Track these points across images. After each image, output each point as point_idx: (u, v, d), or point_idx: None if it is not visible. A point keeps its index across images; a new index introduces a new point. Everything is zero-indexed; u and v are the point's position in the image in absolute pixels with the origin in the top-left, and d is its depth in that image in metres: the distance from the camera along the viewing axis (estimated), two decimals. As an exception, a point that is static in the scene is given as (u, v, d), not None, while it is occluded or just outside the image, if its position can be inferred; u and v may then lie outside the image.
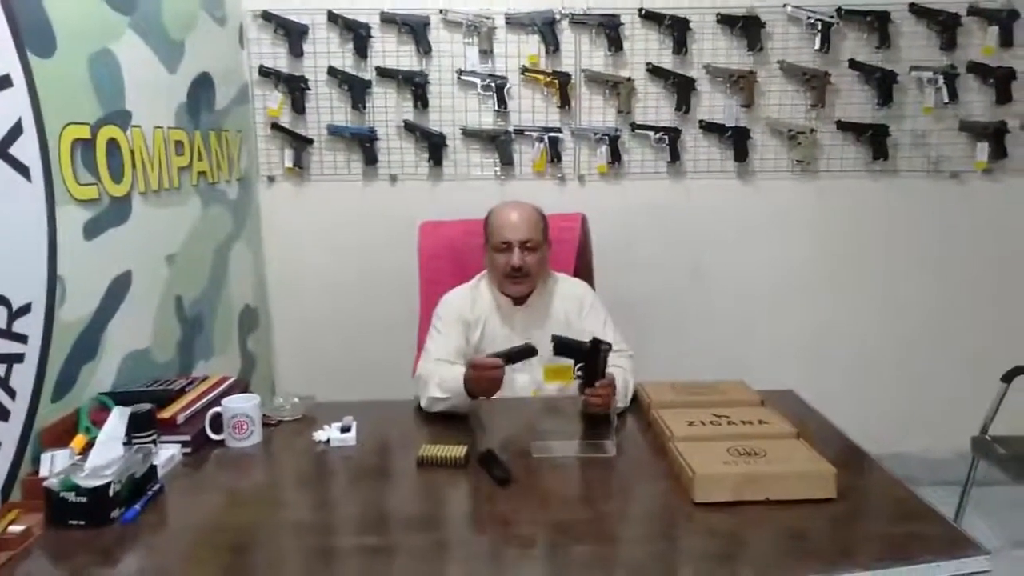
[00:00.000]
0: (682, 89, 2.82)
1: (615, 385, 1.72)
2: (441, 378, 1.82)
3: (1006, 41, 2.79)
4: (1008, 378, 2.48)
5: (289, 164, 2.85)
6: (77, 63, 1.70)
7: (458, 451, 1.56)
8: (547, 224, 2.04)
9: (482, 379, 1.72)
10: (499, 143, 2.85)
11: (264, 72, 2.79)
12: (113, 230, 1.81)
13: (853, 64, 2.82)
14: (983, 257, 2.96)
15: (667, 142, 2.85)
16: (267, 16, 2.75)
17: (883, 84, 2.81)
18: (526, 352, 1.75)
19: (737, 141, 2.86)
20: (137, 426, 1.51)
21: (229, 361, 2.54)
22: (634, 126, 2.85)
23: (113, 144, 1.81)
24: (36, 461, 1.46)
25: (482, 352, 1.98)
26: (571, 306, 2.03)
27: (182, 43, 2.22)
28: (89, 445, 1.45)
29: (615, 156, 2.86)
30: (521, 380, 1.97)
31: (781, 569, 1.21)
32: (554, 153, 2.85)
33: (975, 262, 2.96)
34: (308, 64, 2.80)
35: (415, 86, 2.80)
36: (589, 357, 1.68)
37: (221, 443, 1.68)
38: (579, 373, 1.69)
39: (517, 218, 1.98)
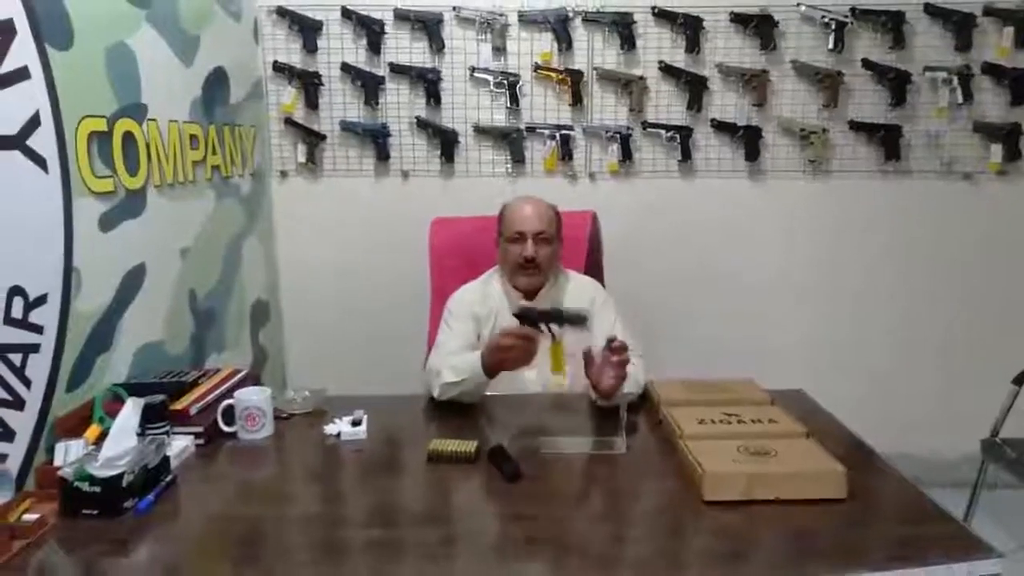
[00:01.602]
0: (694, 88, 2.81)
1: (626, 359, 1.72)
2: (453, 364, 1.83)
3: (1022, 42, 2.77)
4: (1019, 380, 2.47)
5: (302, 159, 2.85)
6: (94, 56, 1.71)
7: (468, 446, 1.56)
8: (560, 221, 2.04)
9: (515, 348, 1.71)
10: (511, 140, 2.85)
11: (278, 67, 2.79)
12: (128, 222, 1.82)
13: (866, 64, 2.80)
14: (995, 259, 2.94)
15: (678, 141, 2.84)
16: (282, 12, 2.76)
17: (897, 84, 2.80)
18: (555, 317, 1.71)
19: (749, 140, 2.85)
20: (150, 417, 1.52)
21: (241, 354, 2.54)
22: (646, 124, 2.84)
23: (129, 137, 1.82)
24: (50, 451, 1.47)
25: None
26: (581, 302, 2.02)
27: (197, 37, 2.22)
28: (103, 435, 1.45)
29: (626, 154, 2.86)
30: (530, 375, 1.97)
31: (790, 569, 1.21)
32: (565, 151, 2.85)
33: (987, 264, 2.94)
34: (322, 60, 2.81)
35: (428, 83, 2.80)
36: (553, 318, 1.70)
37: (233, 435, 1.68)
38: (555, 330, 1.70)
39: (531, 211, 1.99)
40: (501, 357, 1.75)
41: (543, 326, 1.70)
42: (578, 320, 1.70)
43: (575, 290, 2.05)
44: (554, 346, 1.71)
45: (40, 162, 1.51)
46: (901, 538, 1.28)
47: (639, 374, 1.90)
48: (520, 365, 1.75)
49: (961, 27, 2.76)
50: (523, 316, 1.72)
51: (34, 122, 1.49)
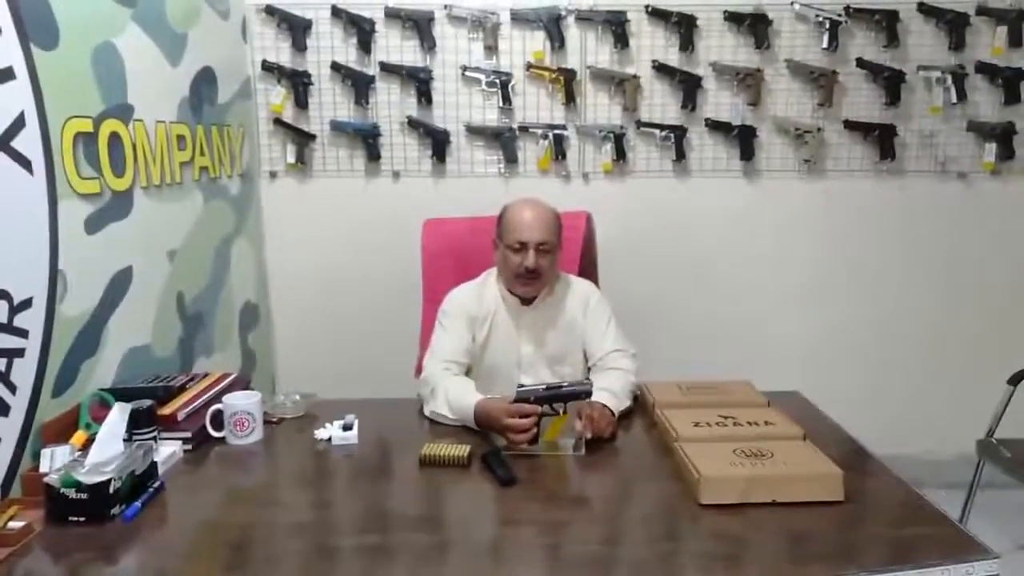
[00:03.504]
0: (688, 87, 2.80)
1: (595, 414, 1.66)
2: (449, 396, 1.77)
3: (1015, 41, 2.77)
4: (1015, 380, 2.47)
5: (291, 160, 2.83)
6: (80, 56, 1.69)
7: (461, 450, 1.55)
8: (561, 225, 2.01)
9: (512, 430, 1.61)
10: (503, 140, 2.83)
11: (267, 67, 2.77)
12: (115, 224, 1.80)
13: (861, 63, 2.80)
14: (989, 258, 2.94)
15: (673, 140, 2.83)
16: (270, 10, 2.74)
17: (891, 83, 2.80)
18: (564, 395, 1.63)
19: (743, 140, 2.84)
20: (138, 423, 1.51)
21: (230, 358, 2.53)
22: (640, 124, 2.83)
23: (115, 138, 1.80)
24: (36, 457, 1.46)
25: (490, 352, 1.97)
26: (578, 306, 2.02)
27: (185, 36, 2.20)
28: (89, 441, 1.44)
29: (620, 154, 2.84)
30: (527, 383, 1.94)
31: (788, 572, 1.21)
32: (559, 150, 2.84)
33: (981, 263, 2.95)
34: (311, 59, 2.78)
35: (419, 82, 2.78)
36: (555, 399, 1.62)
37: (222, 440, 1.67)
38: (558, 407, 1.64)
39: (535, 219, 1.93)
40: (498, 431, 1.66)
41: (547, 407, 1.62)
42: (580, 396, 1.63)
43: (571, 292, 2.04)
44: (556, 419, 1.63)
45: (25, 163, 1.49)
46: (898, 540, 1.28)
47: (631, 378, 1.90)
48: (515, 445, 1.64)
49: (954, 26, 2.77)
50: (526, 401, 1.61)
51: (19, 123, 1.47)
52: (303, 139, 2.83)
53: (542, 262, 1.91)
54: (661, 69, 2.80)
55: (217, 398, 1.72)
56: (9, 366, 1.43)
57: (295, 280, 2.93)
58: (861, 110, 2.84)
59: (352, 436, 1.68)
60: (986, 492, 2.52)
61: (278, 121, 2.82)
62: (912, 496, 1.40)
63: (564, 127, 2.84)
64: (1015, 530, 2.59)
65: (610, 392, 1.77)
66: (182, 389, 1.75)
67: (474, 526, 1.39)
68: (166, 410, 1.63)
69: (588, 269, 2.31)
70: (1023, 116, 2.82)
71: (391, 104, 2.82)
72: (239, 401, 1.68)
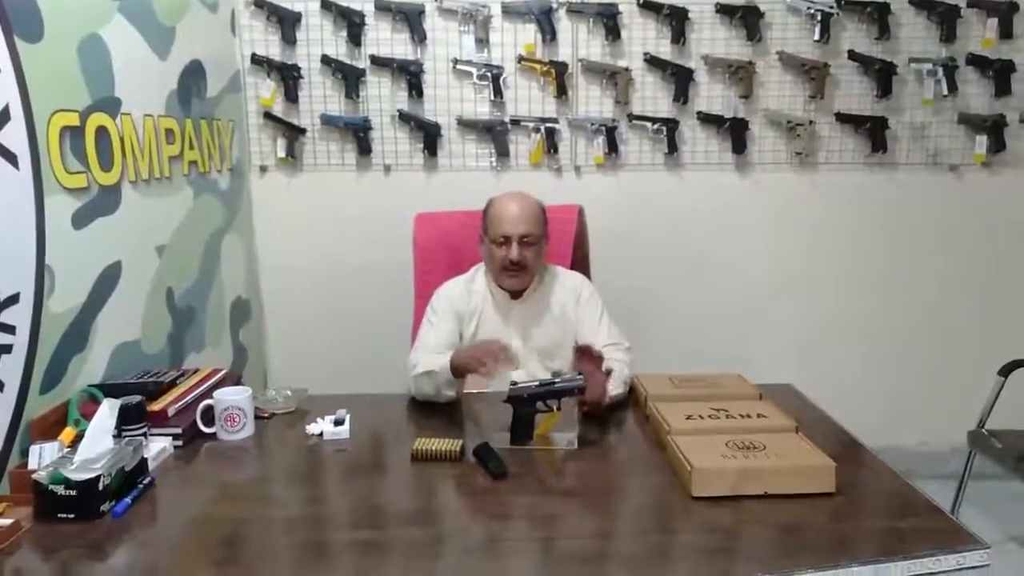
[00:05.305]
0: (680, 79, 2.80)
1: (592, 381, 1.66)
2: (428, 360, 1.82)
3: (1006, 33, 2.78)
4: (1005, 372, 2.49)
5: (281, 154, 2.82)
6: (66, 48, 1.67)
7: (453, 444, 1.55)
8: (547, 218, 2.01)
9: (484, 351, 1.67)
10: (495, 133, 2.82)
11: (256, 60, 2.75)
12: (103, 219, 1.78)
13: (852, 55, 2.80)
14: (981, 250, 2.96)
15: (665, 133, 2.83)
16: (259, 3, 2.72)
17: (882, 76, 2.80)
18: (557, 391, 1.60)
19: (735, 132, 2.84)
20: (127, 419, 1.50)
21: (220, 353, 2.51)
22: (632, 117, 2.83)
23: (103, 132, 1.79)
24: (24, 454, 1.44)
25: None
26: (568, 299, 2.02)
27: (173, 29, 2.18)
28: (78, 438, 1.43)
29: (612, 147, 2.84)
30: (517, 376, 1.95)
31: (780, 563, 1.20)
32: (551, 144, 2.83)
33: (973, 255, 2.96)
34: (301, 52, 2.77)
35: (410, 75, 2.77)
36: (547, 395, 1.60)
37: (213, 436, 1.66)
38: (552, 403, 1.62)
39: (517, 211, 1.94)
40: (474, 364, 1.71)
41: (541, 403, 1.60)
42: (573, 392, 1.60)
43: (561, 285, 2.04)
44: (549, 415, 1.61)
45: (10, 158, 1.47)
46: (890, 531, 1.28)
47: (625, 370, 1.89)
48: (485, 377, 1.70)
49: (945, 18, 2.77)
50: (519, 398, 1.59)
51: (3, 116, 1.45)
52: (293, 133, 2.81)
53: (526, 254, 1.92)
54: (653, 62, 2.80)
55: (208, 393, 1.71)
56: (-4, 362, 1.42)
57: (286, 275, 2.92)
58: (853, 102, 2.85)
59: (344, 431, 1.67)
60: (977, 483, 2.55)
61: (268, 115, 2.80)
62: (904, 487, 1.41)
63: (556, 120, 2.83)
64: (1006, 520, 2.60)
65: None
66: (172, 385, 1.74)
67: (467, 520, 1.39)
68: (156, 406, 1.62)
69: (580, 262, 2.32)
70: (1013, 108, 2.84)
71: (382, 98, 2.81)
72: (230, 396, 1.67)
